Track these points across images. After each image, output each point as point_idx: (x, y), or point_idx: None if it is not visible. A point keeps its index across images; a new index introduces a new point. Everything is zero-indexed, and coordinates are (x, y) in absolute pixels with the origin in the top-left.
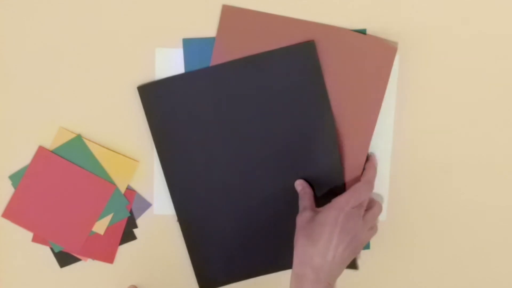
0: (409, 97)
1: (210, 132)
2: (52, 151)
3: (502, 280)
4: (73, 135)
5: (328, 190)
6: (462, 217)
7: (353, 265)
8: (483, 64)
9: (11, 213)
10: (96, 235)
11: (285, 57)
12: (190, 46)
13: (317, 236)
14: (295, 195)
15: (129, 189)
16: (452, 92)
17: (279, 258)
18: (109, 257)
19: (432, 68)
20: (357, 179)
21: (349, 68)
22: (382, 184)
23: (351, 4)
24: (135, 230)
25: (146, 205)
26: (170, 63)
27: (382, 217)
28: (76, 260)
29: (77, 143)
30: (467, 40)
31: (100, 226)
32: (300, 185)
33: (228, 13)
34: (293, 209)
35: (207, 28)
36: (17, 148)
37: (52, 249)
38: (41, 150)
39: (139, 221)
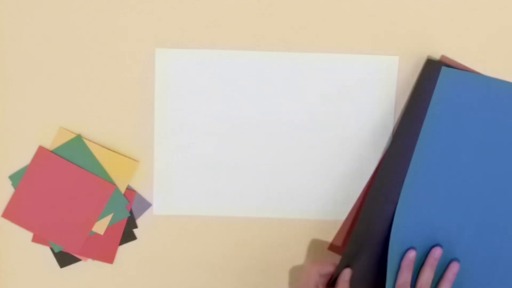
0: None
1: None
2: (52, 151)
3: None
4: (73, 135)
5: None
6: None
7: None
8: (483, 66)
9: (11, 213)
10: (96, 235)
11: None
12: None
13: None
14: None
15: (129, 189)
16: None
17: None
18: (109, 257)
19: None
20: None
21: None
22: None
23: (352, 10)
24: (135, 230)
25: (146, 205)
26: (170, 63)
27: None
28: (76, 260)
29: (77, 143)
30: (466, 44)
31: (100, 226)
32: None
33: None
34: None
35: (207, 28)
36: (17, 148)
37: (52, 249)
38: (41, 150)
39: (139, 221)
